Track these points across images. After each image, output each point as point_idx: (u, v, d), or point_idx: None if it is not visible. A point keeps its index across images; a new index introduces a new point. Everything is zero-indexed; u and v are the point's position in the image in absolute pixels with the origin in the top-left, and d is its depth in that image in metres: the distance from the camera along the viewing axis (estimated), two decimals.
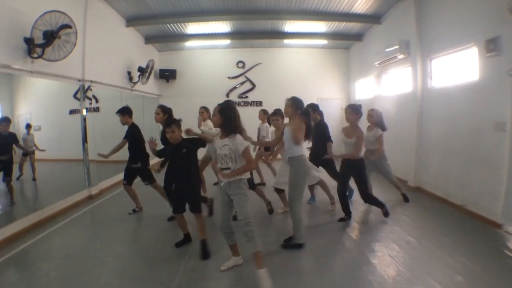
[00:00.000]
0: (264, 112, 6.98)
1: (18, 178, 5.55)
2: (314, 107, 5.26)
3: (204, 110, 6.28)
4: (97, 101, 6.78)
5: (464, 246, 3.85)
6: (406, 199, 5.64)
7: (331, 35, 9.79)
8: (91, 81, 6.31)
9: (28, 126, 5.37)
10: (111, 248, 4.05)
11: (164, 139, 4.71)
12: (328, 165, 5.30)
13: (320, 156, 5.05)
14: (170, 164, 4.30)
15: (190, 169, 3.81)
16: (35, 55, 4.62)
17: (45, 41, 4.63)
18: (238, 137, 3.09)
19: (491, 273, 3.18)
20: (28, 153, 5.42)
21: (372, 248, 3.86)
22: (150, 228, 4.68)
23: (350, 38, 10.03)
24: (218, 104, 3.30)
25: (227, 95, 11.25)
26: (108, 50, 7.30)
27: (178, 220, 3.95)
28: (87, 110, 6.31)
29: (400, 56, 6.94)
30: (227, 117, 3.11)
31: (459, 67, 5.40)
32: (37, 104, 5.68)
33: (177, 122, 3.78)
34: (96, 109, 6.85)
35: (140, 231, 4.77)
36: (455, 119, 5.36)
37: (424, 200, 5.81)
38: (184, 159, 3.76)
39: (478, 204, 4.79)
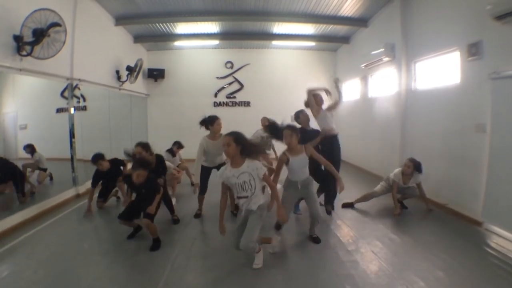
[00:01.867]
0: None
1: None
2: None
3: None
4: (84, 100, 6.73)
5: (445, 243, 3.98)
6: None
7: (318, 37, 9.92)
8: (79, 80, 6.26)
9: (27, 147, 5.51)
10: (98, 246, 4.06)
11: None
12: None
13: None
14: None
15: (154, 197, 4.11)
16: (24, 53, 4.59)
17: (35, 39, 4.60)
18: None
19: (470, 269, 3.30)
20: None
21: (356, 244, 3.96)
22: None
23: (338, 41, 10.17)
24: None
25: (215, 95, 11.31)
26: (96, 49, 7.25)
27: (128, 225, 4.24)
28: (75, 109, 6.27)
29: (386, 59, 7.09)
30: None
31: (442, 70, 5.57)
32: (23, 103, 5.62)
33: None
34: (84, 108, 6.79)
35: (128, 229, 4.74)
36: (438, 120, 5.51)
37: (407, 199, 5.92)
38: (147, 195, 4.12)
39: (460, 203, 4.95)
